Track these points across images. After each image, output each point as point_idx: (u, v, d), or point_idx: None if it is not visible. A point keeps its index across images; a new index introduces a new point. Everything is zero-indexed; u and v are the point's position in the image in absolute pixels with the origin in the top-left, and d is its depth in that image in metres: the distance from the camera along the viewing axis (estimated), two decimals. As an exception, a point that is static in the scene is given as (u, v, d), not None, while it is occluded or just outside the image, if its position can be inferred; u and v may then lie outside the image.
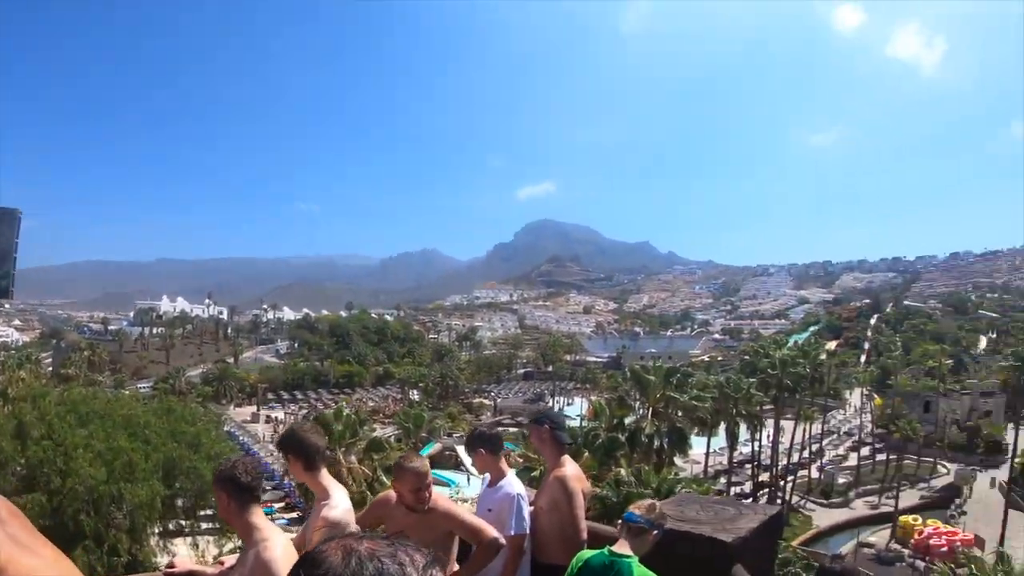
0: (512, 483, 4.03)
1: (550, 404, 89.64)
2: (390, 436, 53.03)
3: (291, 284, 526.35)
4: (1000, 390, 63.01)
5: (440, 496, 3.70)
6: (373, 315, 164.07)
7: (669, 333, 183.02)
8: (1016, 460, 51.40)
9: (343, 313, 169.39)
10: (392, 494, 3.75)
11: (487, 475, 4.21)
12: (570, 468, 4.10)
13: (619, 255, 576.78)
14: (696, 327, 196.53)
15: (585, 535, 3.85)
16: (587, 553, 3.21)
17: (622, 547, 3.10)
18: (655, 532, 3.16)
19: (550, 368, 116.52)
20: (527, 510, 3.96)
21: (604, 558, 3.06)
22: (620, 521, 3.26)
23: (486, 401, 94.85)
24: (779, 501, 47.47)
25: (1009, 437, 56.80)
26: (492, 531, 3.56)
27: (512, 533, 3.78)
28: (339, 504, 3.35)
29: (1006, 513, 42.14)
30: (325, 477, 3.46)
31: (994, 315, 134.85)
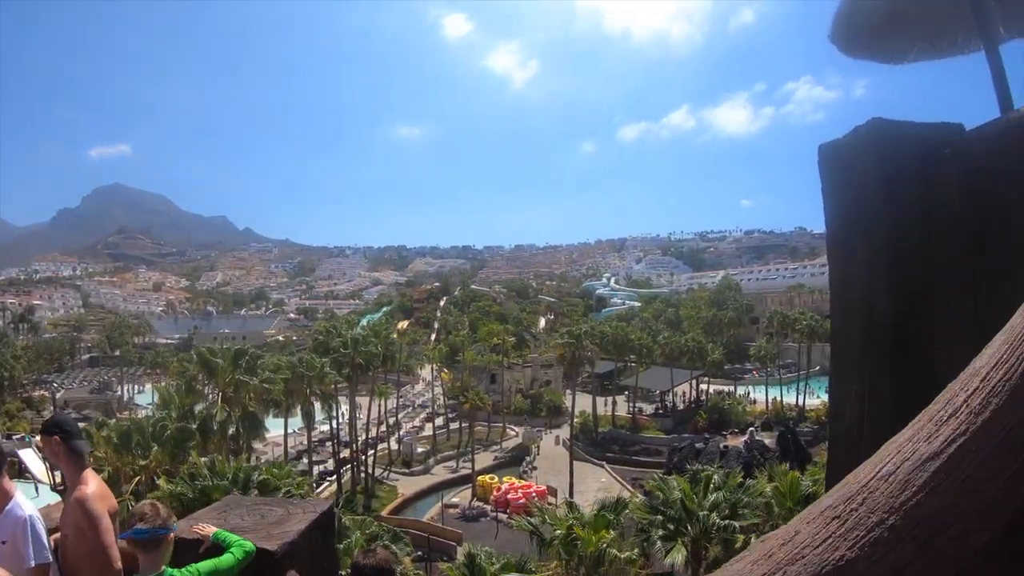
0: (21, 504, 3.71)
1: (118, 392, 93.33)
2: (-61, 448, 48.40)
3: None
4: (557, 363, 73.47)
5: None
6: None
7: (243, 312, 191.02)
8: (575, 420, 61.39)
9: None
10: None
11: None
12: (92, 486, 3.79)
13: (194, 228, 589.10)
14: (271, 306, 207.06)
15: (119, 563, 3.57)
16: None
17: (146, 566, 3.07)
18: (171, 534, 3.15)
19: (118, 352, 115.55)
20: (44, 533, 3.67)
21: None
22: (127, 541, 3.21)
23: (47, 393, 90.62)
24: (363, 475, 52.99)
25: (567, 401, 67.25)
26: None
27: (32, 564, 3.56)
28: None
29: (571, 465, 50.65)
30: None
31: (552, 299, 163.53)
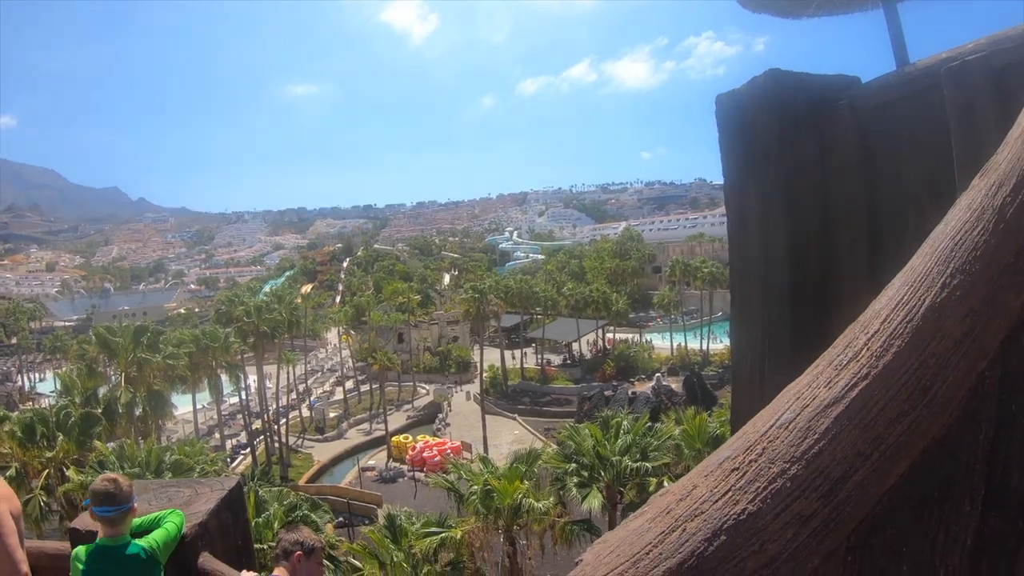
0: None
1: (19, 383, 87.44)
2: None
3: None
4: (464, 318, 73.73)
5: None
6: None
7: (142, 287, 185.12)
8: (485, 374, 62.14)
9: None
10: None
11: None
12: None
13: (85, 202, 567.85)
14: (170, 278, 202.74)
15: (26, 566, 3.35)
16: (79, 551, 3.18)
17: (106, 536, 3.13)
18: (134, 504, 3.21)
19: (15, 340, 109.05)
20: None
21: (97, 549, 3.12)
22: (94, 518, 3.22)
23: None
24: (277, 445, 52.72)
25: (476, 356, 67.95)
26: None
27: None
28: None
29: (484, 419, 51.41)
30: None
31: (455, 255, 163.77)
